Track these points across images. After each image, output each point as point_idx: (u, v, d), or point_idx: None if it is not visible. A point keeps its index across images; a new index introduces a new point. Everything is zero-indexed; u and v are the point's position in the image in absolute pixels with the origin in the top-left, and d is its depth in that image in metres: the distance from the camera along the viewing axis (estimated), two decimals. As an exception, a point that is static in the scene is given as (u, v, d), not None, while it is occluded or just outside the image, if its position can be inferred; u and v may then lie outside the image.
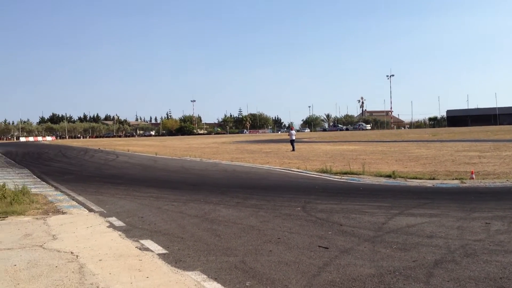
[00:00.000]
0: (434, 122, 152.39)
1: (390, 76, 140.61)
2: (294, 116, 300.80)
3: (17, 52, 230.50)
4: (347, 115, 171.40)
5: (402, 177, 14.46)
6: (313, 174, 16.52)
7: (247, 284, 4.95)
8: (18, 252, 6.43)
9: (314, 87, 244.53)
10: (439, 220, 7.95)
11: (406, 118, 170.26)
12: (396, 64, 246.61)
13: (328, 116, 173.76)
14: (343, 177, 15.20)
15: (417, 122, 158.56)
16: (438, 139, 45.26)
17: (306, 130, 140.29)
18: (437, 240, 6.61)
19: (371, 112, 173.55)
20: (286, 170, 18.48)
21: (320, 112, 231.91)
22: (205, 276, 5.21)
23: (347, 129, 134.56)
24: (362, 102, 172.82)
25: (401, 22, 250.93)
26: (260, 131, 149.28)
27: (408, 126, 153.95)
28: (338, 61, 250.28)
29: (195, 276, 5.23)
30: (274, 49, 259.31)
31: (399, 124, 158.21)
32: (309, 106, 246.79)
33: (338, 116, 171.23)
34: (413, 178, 14.24)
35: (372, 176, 15.11)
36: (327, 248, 6.30)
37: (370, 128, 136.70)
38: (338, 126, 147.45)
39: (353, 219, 8.24)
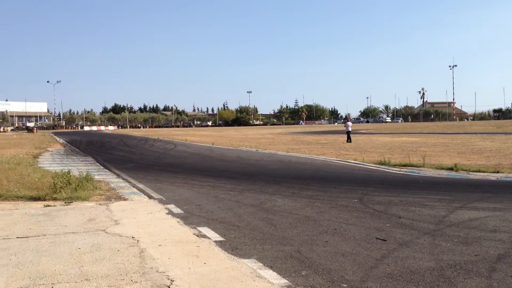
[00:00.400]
0: (499, 114, 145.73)
1: (453, 67, 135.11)
2: (351, 108, 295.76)
3: (82, 47, 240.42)
4: (407, 106, 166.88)
5: (465, 170, 13.94)
6: (371, 166, 16.21)
7: (302, 273, 4.95)
8: (82, 236, 6.72)
9: (373, 78, 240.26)
10: (503, 215, 7.63)
11: (469, 109, 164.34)
12: (459, 54, 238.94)
13: (387, 107, 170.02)
14: (402, 169, 14.84)
15: (481, 113, 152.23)
16: (503, 131, 43.31)
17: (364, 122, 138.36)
18: (501, 234, 6.36)
19: (432, 104, 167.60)
20: (343, 161, 18.25)
21: (378, 103, 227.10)
22: (260, 264, 5.25)
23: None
24: (423, 93, 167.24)
25: (466, 13, 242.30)
26: (316, 122, 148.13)
27: (471, 118, 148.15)
28: (399, 52, 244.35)
29: (251, 263, 5.28)
30: (330, 41, 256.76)
31: (462, 115, 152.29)
32: (367, 97, 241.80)
33: (397, 107, 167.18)
34: (476, 171, 13.69)
35: (433, 168, 14.66)
36: (385, 240, 6.19)
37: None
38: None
39: (412, 211, 8.04)
